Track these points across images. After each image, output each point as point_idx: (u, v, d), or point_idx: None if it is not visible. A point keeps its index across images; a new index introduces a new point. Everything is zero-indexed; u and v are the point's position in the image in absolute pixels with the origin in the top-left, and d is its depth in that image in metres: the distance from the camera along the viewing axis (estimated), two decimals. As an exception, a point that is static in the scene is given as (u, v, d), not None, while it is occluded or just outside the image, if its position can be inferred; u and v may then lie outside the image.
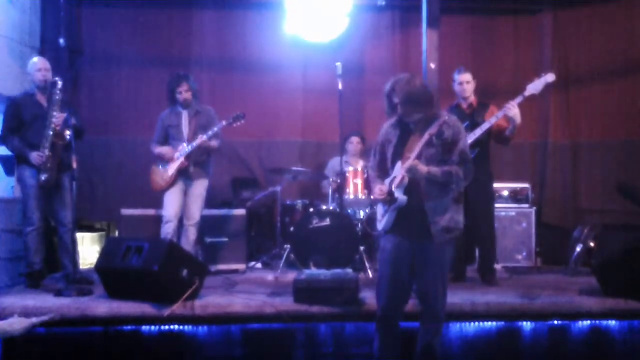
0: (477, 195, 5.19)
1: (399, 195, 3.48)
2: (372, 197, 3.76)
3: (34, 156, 4.90)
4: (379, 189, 3.58)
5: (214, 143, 5.45)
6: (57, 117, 4.88)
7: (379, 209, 3.69)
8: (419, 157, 3.43)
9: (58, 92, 4.91)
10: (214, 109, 5.67)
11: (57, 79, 4.95)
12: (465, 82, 5.28)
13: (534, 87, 5.08)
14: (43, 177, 4.91)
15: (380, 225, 3.66)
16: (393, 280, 3.56)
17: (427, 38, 6.20)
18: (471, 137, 5.11)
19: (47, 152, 4.89)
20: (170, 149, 5.43)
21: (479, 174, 5.16)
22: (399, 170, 3.49)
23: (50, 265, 5.50)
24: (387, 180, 3.60)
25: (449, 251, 3.57)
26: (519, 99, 5.04)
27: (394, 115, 3.61)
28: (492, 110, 5.24)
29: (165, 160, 5.42)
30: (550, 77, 5.09)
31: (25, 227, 5.07)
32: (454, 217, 3.55)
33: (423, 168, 3.42)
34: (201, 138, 5.30)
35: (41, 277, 5.10)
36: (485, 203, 5.28)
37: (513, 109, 4.98)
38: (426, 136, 3.38)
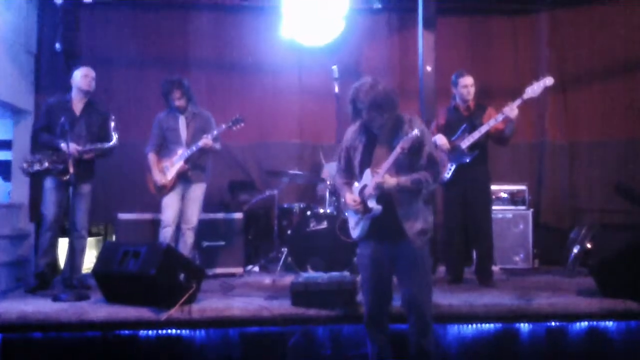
0: (476, 197, 5.21)
1: (373, 205, 3.46)
2: (343, 205, 3.71)
3: (71, 145, 4.84)
4: (352, 200, 3.56)
5: (217, 145, 5.45)
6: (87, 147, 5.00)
7: (351, 217, 3.67)
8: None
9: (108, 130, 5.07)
10: (210, 112, 5.65)
11: (112, 116, 5.10)
12: (469, 85, 5.26)
13: (533, 90, 5.05)
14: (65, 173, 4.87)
15: (354, 233, 3.66)
16: (374, 282, 3.60)
17: (423, 40, 6.21)
18: (469, 140, 5.13)
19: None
20: (161, 174, 5.39)
21: (477, 176, 5.22)
22: (369, 179, 3.47)
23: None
24: (357, 188, 3.57)
25: (426, 251, 3.57)
26: (517, 102, 5.02)
27: (358, 120, 3.56)
28: (490, 113, 5.23)
29: (164, 166, 5.42)
30: (549, 81, 5.07)
31: (41, 229, 5.12)
32: (427, 218, 3.56)
33: (392, 182, 3.39)
34: (205, 139, 5.29)
35: (46, 279, 5.06)
36: (483, 205, 5.28)
37: (513, 112, 4.98)
38: (398, 149, 3.34)
